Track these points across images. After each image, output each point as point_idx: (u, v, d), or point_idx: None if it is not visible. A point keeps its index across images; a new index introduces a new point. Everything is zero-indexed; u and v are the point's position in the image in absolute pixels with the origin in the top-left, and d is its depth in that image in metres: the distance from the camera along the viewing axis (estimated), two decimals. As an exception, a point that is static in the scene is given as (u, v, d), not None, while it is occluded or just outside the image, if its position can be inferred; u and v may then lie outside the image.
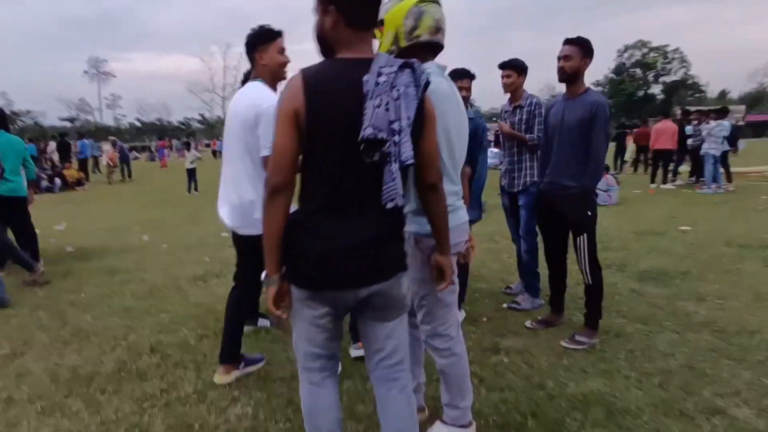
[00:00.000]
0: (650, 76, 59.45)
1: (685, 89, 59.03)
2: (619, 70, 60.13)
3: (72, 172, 16.23)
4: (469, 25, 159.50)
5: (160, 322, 3.86)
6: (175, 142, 44.52)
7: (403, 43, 1.94)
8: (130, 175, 19.17)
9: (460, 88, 3.58)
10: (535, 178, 3.79)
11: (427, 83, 1.54)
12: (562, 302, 3.63)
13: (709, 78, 77.91)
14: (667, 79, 59.57)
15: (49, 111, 60.14)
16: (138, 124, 73.74)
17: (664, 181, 11.68)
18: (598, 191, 8.96)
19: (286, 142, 1.49)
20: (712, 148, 10.53)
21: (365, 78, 1.47)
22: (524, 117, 3.94)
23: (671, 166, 12.21)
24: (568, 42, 3.18)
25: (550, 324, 3.57)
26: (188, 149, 15.37)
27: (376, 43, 1.74)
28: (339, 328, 1.73)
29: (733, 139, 11.69)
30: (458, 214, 2.05)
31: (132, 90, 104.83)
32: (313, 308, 1.60)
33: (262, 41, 2.64)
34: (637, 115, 51.61)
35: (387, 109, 1.45)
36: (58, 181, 15.21)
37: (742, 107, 49.87)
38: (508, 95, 4.10)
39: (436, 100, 1.69)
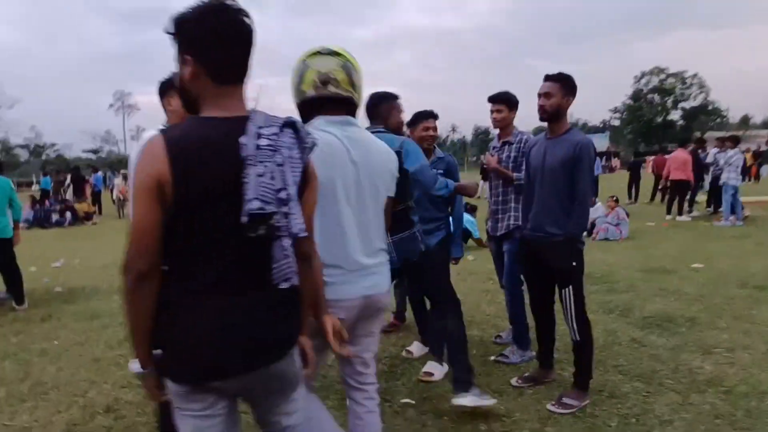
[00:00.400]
0: (669, 102, 58.80)
1: (705, 115, 58.21)
2: (637, 96, 59.65)
3: (83, 205, 16.38)
4: (484, 51, 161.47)
5: (125, 375, 3.64)
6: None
7: (295, 101, 1.86)
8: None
9: (426, 129, 3.48)
10: (519, 222, 3.54)
11: (314, 145, 1.40)
12: (551, 357, 3.34)
13: (730, 103, 76.97)
14: (687, 104, 58.85)
15: (77, 143, 61.77)
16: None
17: (680, 213, 11.25)
18: (607, 225, 8.76)
19: (149, 219, 1.26)
20: (732, 178, 10.15)
21: (243, 141, 1.27)
22: (512, 154, 3.69)
23: (688, 197, 11.79)
24: (548, 78, 2.97)
25: (538, 382, 3.27)
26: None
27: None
28: (234, 416, 1.50)
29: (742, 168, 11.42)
30: (336, 288, 1.81)
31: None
32: (197, 401, 1.37)
33: (171, 87, 2.52)
34: (657, 141, 51.04)
35: (272, 177, 1.28)
36: (68, 215, 15.34)
37: (765, 132, 49.01)
38: (496, 130, 3.88)
39: (319, 155, 1.54)
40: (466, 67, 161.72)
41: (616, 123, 66.45)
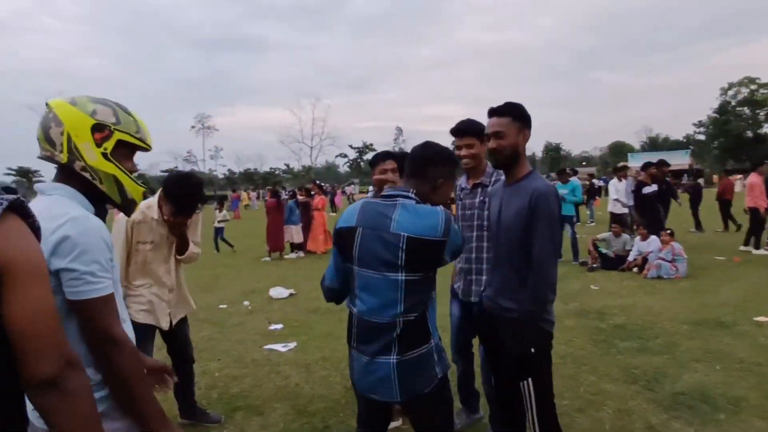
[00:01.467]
0: (761, 114, 53.97)
1: (804, 128, 52.91)
2: (723, 109, 55.25)
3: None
4: (554, 66, 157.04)
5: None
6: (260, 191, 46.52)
7: None
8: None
9: (383, 171, 2.91)
10: None
11: None
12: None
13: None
14: (783, 117, 53.74)
15: (161, 163, 65.38)
16: (229, 174, 78.66)
17: (757, 246, 9.77)
18: (660, 261, 7.65)
19: None
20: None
21: None
22: (487, 199, 2.88)
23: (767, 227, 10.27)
24: (494, 113, 2.31)
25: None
26: (221, 208, 14.51)
27: None
28: None
29: None
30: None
31: (233, 141, 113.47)
32: None
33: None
34: (748, 158, 46.65)
35: None
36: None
37: None
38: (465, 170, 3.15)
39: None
40: (533, 83, 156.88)
41: (701, 137, 61.83)
